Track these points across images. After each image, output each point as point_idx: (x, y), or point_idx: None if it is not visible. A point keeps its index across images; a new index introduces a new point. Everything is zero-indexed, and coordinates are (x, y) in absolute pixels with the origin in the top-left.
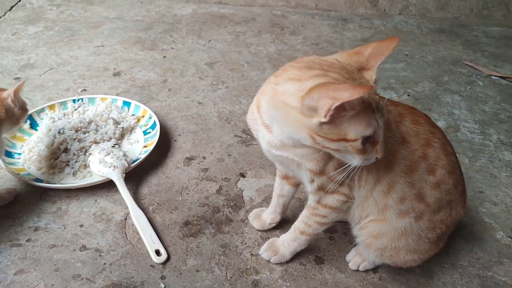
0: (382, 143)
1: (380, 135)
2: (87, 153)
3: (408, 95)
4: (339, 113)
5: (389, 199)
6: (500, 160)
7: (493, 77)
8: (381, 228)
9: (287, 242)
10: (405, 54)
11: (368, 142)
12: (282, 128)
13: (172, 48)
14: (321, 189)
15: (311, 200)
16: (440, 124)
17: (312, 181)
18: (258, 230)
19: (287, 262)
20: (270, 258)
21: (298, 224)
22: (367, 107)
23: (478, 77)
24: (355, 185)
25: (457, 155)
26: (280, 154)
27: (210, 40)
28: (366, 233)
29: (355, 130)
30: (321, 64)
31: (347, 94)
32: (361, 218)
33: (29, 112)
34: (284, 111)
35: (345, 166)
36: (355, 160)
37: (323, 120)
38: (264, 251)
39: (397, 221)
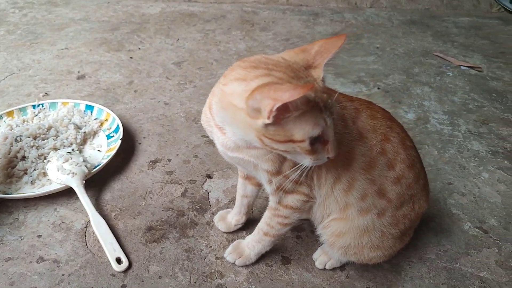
0: (333, 142)
1: (330, 134)
2: (45, 161)
3: (378, 88)
4: (282, 114)
5: (349, 197)
6: (468, 150)
7: (462, 67)
8: (344, 226)
9: (252, 244)
10: (376, 47)
11: (317, 142)
12: (233, 129)
13: (139, 48)
14: (280, 189)
15: (271, 201)
16: (410, 116)
17: (270, 181)
18: (224, 232)
19: (253, 264)
20: (235, 261)
21: (261, 225)
22: (314, 107)
23: (448, 68)
24: (315, 184)
25: (426, 147)
26: (235, 156)
27: (178, 39)
28: (329, 232)
29: (302, 131)
30: (266, 63)
31: (288, 94)
32: (323, 217)
33: None
34: (232, 113)
35: (299, 165)
36: (306, 161)
37: (267, 121)
38: (228, 254)
39: (359, 219)
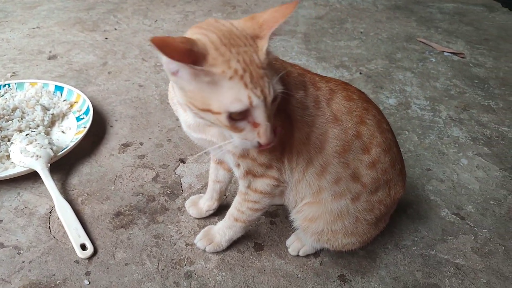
0: (266, 127)
1: (261, 116)
2: (9, 143)
3: (360, 73)
4: (178, 71)
5: (323, 181)
6: (448, 136)
7: (445, 53)
8: (316, 210)
9: (223, 229)
10: (360, 32)
11: (243, 120)
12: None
13: (115, 29)
14: (249, 173)
15: (241, 186)
16: (391, 101)
17: (237, 165)
18: (195, 218)
19: (224, 250)
20: (205, 247)
21: (232, 211)
22: (233, 78)
23: (431, 54)
24: (286, 168)
25: (407, 132)
26: (199, 137)
27: (156, 20)
28: (302, 217)
29: (218, 102)
30: (211, 25)
31: (168, 47)
32: (296, 202)
33: None
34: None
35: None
36: (234, 139)
37: (171, 78)
38: (199, 240)
39: (333, 203)
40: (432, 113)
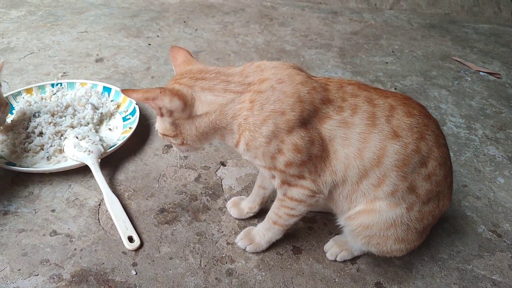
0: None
1: None
2: (62, 138)
3: (395, 89)
4: None
5: (379, 192)
6: (485, 154)
7: (481, 73)
8: (372, 219)
9: (262, 231)
10: (395, 48)
11: None
12: None
13: (158, 36)
14: (284, 183)
15: (279, 193)
16: None
17: (273, 176)
18: (236, 218)
19: (264, 251)
20: (246, 247)
21: (270, 214)
22: None
23: (466, 73)
24: (324, 181)
25: None
26: (245, 158)
27: (196, 29)
28: (356, 223)
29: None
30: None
31: None
32: (349, 208)
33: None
34: None
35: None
36: None
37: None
38: (240, 240)
39: (388, 212)
40: (467, 131)
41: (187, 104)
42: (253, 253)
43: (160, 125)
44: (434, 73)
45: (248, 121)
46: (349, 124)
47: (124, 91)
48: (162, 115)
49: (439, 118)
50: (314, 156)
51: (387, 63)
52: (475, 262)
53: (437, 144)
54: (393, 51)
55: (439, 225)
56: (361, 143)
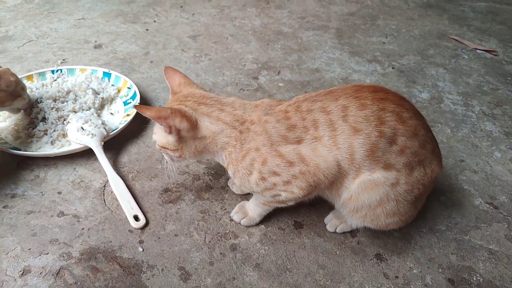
0: None
1: None
2: (65, 122)
3: (393, 68)
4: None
5: (356, 182)
6: (482, 130)
7: (478, 51)
8: (358, 203)
9: (252, 206)
10: (392, 28)
11: None
12: None
13: (155, 21)
14: (275, 196)
15: None
16: (424, 95)
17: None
18: (239, 196)
19: (266, 227)
20: (240, 221)
21: (258, 196)
22: None
23: (463, 51)
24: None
25: (439, 125)
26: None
27: (193, 14)
28: (347, 210)
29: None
30: None
31: None
32: (339, 199)
33: None
34: None
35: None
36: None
37: None
38: (235, 213)
39: (372, 195)
40: (465, 108)
41: (193, 126)
42: (247, 226)
43: (161, 139)
44: (431, 51)
45: (232, 157)
46: (318, 138)
47: (137, 107)
48: (170, 132)
49: (436, 95)
50: (299, 172)
51: (384, 43)
52: (472, 233)
53: (400, 121)
54: (390, 31)
55: (436, 198)
56: (334, 149)
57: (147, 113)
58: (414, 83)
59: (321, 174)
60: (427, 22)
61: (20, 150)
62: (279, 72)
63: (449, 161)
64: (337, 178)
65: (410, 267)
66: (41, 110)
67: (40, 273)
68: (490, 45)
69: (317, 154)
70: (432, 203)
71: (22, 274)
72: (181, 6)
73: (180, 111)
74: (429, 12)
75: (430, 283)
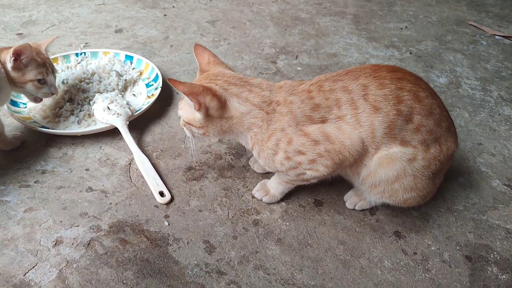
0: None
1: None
2: (91, 103)
3: (411, 53)
4: None
5: (377, 156)
6: (500, 114)
7: (496, 37)
8: (376, 179)
9: (274, 184)
10: (409, 14)
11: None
12: None
13: (173, 6)
14: (300, 174)
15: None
16: (442, 80)
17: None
18: (260, 174)
19: (286, 204)
20: (262, 198)
21: (281, 174)
22: None
23: (481, 37)
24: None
25: (458, 109)
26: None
27: (211, 0)
28: (366, 185)
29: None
30: None
31: None
32: (358, 177)
33: None
34: None
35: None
36: None
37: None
38: (256, 191)
39: (389, 170)
40: (483, 93)
41: (222, 105)
42: (269, 203)
43: (187, 115)
44: (449, 37)
45: (257, 137)
46: (342, 117)
47: (171, 81)
48: (199, 109)
49: (454, 80)
50: (325, 151)
51: (401, 28)
52: (490, 213)
53: (416, 100)
54: (407, 17)
55: (454, 179)
56: (357, 127)
57: (180, 87)
58: (432, 68)
59: (347, 152)
60: (445, 8)
61: (48, 128)
62: (297, 57)
63: (467, 144)
64: (361, 155)
65: (428, 244)
66: (67, 90)
67: (72, 244)
68: (509, 31)
69: (341, 132)
70: (450, 184)
71: (55, 244)
72: None
73: (211, 89)
74: None
75: (448, 259)
